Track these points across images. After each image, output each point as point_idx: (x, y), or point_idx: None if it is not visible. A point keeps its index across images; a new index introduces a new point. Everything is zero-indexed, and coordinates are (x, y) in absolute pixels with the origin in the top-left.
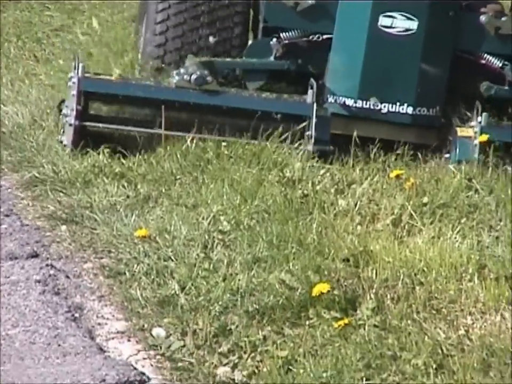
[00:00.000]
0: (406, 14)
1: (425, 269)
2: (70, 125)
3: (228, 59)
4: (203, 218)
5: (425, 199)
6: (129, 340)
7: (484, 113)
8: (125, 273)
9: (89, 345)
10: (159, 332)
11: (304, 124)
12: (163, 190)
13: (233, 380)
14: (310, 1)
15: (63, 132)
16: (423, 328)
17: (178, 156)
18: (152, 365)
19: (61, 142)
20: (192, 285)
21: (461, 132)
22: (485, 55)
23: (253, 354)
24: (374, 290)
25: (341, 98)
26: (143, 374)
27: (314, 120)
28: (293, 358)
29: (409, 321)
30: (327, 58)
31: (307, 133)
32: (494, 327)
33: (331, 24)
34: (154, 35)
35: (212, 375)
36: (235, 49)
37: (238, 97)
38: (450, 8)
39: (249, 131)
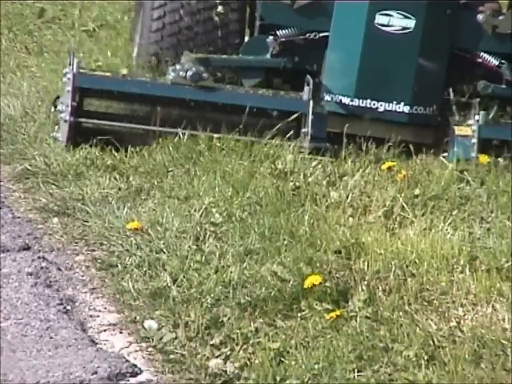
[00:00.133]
0: (403, 13)
1: (416, 260)
2: (65, 121)
3: (224, 56)
4: (195, 211)
5: (416, 191)
6: (121, 332)
7: (482, 112)
8: (117, 266)
9: (81, 337)
10: (151, 324)
11: (295, 115)
12: (155, 182)
13: (225, 371)
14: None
15: (58, 128)
16: (415, 320)
17: (171, 148)
18: (144, 357)
19: (56, 138)
20: (184, 277)
21: (459, 130)
22: (482, 53)
23: (245, 346)
24: (365, 282)
25: (337, 96)
26: (135, 366)
27: (310, 117)
28: (285, 350)
29: (400, 313)
30: (324, 57)
31: (303, 130)
32: (486, 319)
33: (328, 22)
34: (151, 32)
35: (204, 367)
36: (231, 46)
37: (234, 94)
38: (448, 7)
39: (245, 127)
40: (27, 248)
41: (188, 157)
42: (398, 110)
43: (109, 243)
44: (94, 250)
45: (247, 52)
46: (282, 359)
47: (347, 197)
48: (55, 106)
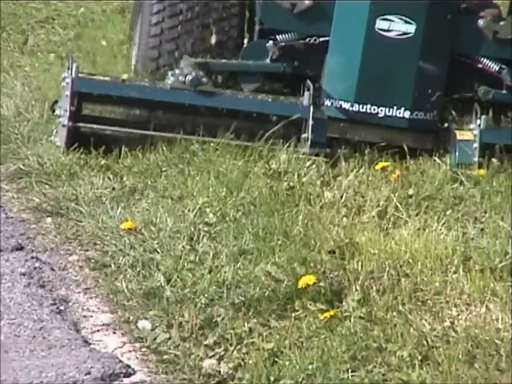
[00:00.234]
0: (403, 17)
1: (410, 260)
2: (63, 125)
3: (224, 60)
4: (189, 211)
5: (410, 191)
6: (114, 332)
7: (483, 116)
8: (110, 266)
9: (74, 337)
10: (144, 324)
11: (294, 117)
12: (149, 182)
13: (219, 372)
14: (306, 3)
15: (56, 132)
16: (409, 320)
17: (164, 148)
18: (137, 358)
19: (54, 143)
20: (178, 277)
21: (460, 135)
22: (483, 59)
23: (239, 346)
24: (359, 282)
25: (337, 101)
26: (129, 366)
27: (311, 122)
28: (279, 350)
29: (394, 313)
30: (324, 61)
31: (303, 135)
32: (479, 319)
33: (328, 26)
34: (149, 37)
35: (198, 367)
36: (230, 51)
37: (233, 99)
38: (448, 12)
39: (244, 132)
40: (20, 248)
41: (181, 156)
42: (398, 115)
43: (103, 243)
44: (87, 250)
45: (246, 56)
46: (276, 359)
47: (341, 197)
48: (53, 111)
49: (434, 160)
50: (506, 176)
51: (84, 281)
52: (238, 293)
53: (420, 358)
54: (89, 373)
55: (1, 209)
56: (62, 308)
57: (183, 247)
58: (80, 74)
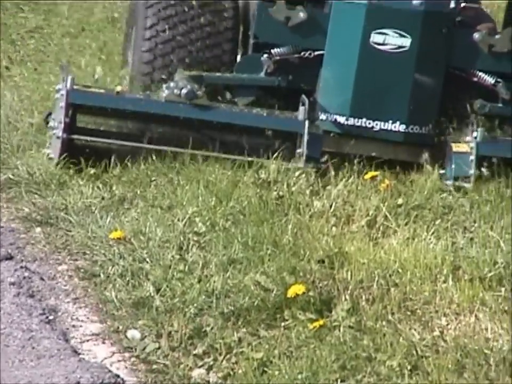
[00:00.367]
0: (398, 31)
1: (400, 270)
2: (58, 137)
3: (218, 74)
4: (178, 220)
5: (400, 201)
6: (104, 342)
7: (480, 128)
8: (99, 275)
9: (63, 347)
10: (134, 333)
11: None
12: (138, 192)
13: (208, 381)
14: (301, 16)
15: (50, 144)
16: (398, 329)
17: (154, 157)
18: (127, 367)
19: (47, 154)
20: (167, 286)
21: (456, 147)
22: (478, 72)
23: (228, 356)
24: (349, 292)
25: (332, 115)
26: (118, 376)
27: (306, 137)
28: (268, 360)
29: (384, 323)
30: (319, 75)
31: (298, 150)
32: (468, 328)
33: (323, 40)
34: (143, 52)
35: (187, 377)
36: (224, 65)
37: (228, 113)
38: (444, 25)
39: (239, 147)
40: (10, 257)
41: (170, 166)
42: (393, 129)
43: (92, 253)
44: (77, 260)
45: (241, 70)
46: (265, 369)
47: (330, 206)
48: (47, 123)
49: (425, 168)
50: (495, 185)
51: (73, 290)
52: (227, 303)
53: (409, 367)
54: (78, 383)
55: None
56: (51, 317)
57: (173, 256)
58: (75, 86)
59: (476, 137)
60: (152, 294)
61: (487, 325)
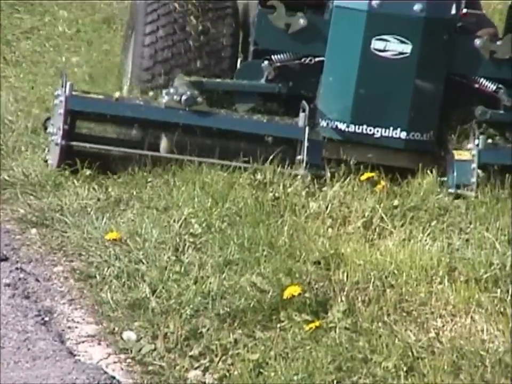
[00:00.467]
0: (399, 37)
1: (395, 271)
2: (57, 144)
3: (218, 80)
4: (174, 221)
5: (396, 202)
6: (99, 344)
7: (481, 136)
8: (95, 277)
9: (59, 349)
10: (129, 335)
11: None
12: (134, 193)
13: (204, 383)
14: (301, 23)
15: (48, 150)
16: (394, 331)
17: (149, 158)
18: (122, 369)
19: (46, 161)
20: (163, 288)
21: (458, 155)
22: (479, 78)
23: (224, 357)
24: (345, 293)
25: (333, 122)
26: (114, 377)
27: (306, 144)
28: (264, 361)
29: (380, 324)
30: (319, 82)
31: (298, 157)
32: (464, 330)
33: (323, 46)
34: (142, 58)
35: (183, 378)
36: (224, 72)
37: (228, 119)
38: (445, 32)
39: (238, 153)
40: (5, 259)
41: (166, 167)
42: (394, 136)
43: (88, 254)
44: (72, 261)
45: (241, 76)
46: (261, 370)
47: (326, 207)
48: (45, 128)
49: (420, 171)
50: (491, 187)
51: (68, 292)
52: (223, 304)
53: (405, 369)
54: None
55: None
56: (46, 319)
57: (169, 258)
58: (73, 92)
59: (477, 145)
60: (148, 295)
61: (483, 326)
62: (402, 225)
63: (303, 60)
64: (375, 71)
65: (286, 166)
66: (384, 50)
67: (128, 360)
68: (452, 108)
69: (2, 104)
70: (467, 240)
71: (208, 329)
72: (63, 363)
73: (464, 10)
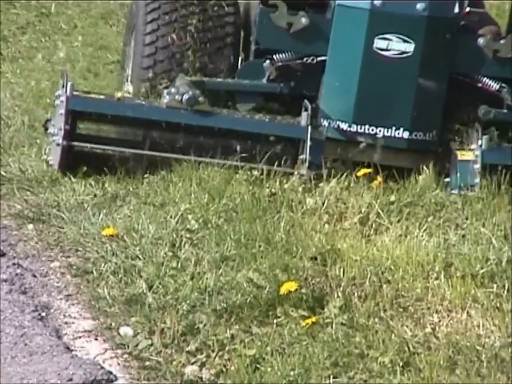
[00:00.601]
0: (402, 36)
1: (392, 267)
2: (58, 144)
3: (220, 79)
4: (171, 217)
5: (392, 198)
6: (96, 339)
7: (485, 136)
8: (92, 272)
9: (56, 344)
10: (126, 330)
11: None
12: (131, 189)
13: (201, 378)
14: (303, 22)
15: (49, 150)
16: (390, 326)
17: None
18: (119, 364)
19: (47, 161)
20: (159, 283)
21: (461, 155)
22: (483, 78)
23: (220, 353)
24: (341, 289)
25: (335, 122)
26: (110, 373)
27: (308, 143)
28: (261, 357)
29: (376, 319)
30: (321, 81)
31: (301, 157)
32: (460, 325)
33: (325, 45)
34: (143, 57)
35: (180, 374)
36: (225, 71)
37: (230, 119)
38: (448, 30)
39: (241, 153)
40: (2, 254)
41: (163, 163)
42: (397, 135)
43: (84, 250)
44: (69, 257)
45: (242, 76)
46: (258, 365)
47: (323, 203)
48: (46, 129)
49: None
50: (487, 183)
51: (65, 287)
52: (220, 300)
53: (401, 364)
54: (70, 380)
55: None
56: (43, 314)
57: (165, 253)
58: (74, 92)
59: (481, 145)
60: (144, 291)
61: (479, 321)
62: (398, 221)
63: (305, 59)
64: (377, 70)
65: (281, 165)
66: (386, 50)
67: (125, 356)
68: (454, 107)
69: None
70: (463, 235)
71: (204, 325)
72: (60, 358)
73: (467, 9)
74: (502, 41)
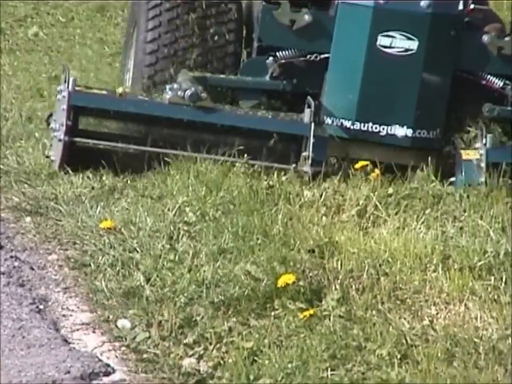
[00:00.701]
0: (405, 34)
1: (390, 259)
2: (60, 140)
3: (222, 76)
4: (168, 210)
5: (390, 190)
6: (94, 332)
7: (489, 135)
8: (90, 265)
9: (54, 337)
10: (124, 323)
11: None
12: (128, 182)
13: (199, 371)
14: (306, 19)
15: (51, 146)
16: (388, 319)
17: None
18: (117, 357)
19: (48, 157)
20: (157, 276)
21: (466, 154)
22: (487, 75)
23: (218, 345)
24: (339, 281)
25: (338, 119)
26: (108, 365)
27: (312, 140)
28: (258, 349)
29: (374, 312)
30: (324, 79)
31: (304, 154)
32: (458, 317)
33: (328, 43)
34: (145, 54)
35: (177, 366)
36: (228, 68)
37: (233, 115)
38: (452, 28)
39: (243, 149)
40: (0, 247)
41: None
42: (400, 133)
43: (82, 242)
44: (67, 250)
45: (245, 73)
46: (255, 358)
47: (321, 196)
48: (48, 124)
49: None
50: (485, 175)
51: (63, 280)
52: (218, 292)
53: (399, 356)
54: (68, 372)
55: None
56: (41, 307)
57: (163, 246)
58: (76, 88)
59: (485, 144)
60: (142, 284)
61: (476, 314)
62: (396, 214)
63: (308, 56)
64: (381, 68)
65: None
66: (390, 47)
67: (123, 348)
68: (458, 104)
69: None
70: (461, 228)
71: (202, 317)
72: (58, 351)
73: (471, 6)
74: (506, 39)
